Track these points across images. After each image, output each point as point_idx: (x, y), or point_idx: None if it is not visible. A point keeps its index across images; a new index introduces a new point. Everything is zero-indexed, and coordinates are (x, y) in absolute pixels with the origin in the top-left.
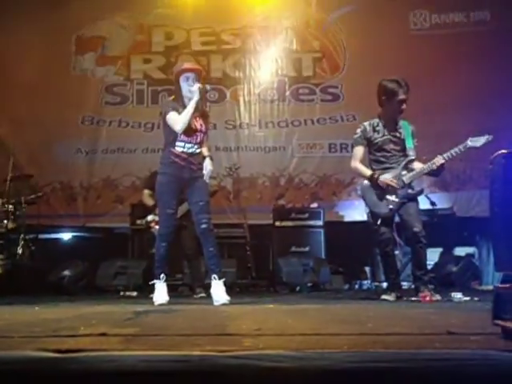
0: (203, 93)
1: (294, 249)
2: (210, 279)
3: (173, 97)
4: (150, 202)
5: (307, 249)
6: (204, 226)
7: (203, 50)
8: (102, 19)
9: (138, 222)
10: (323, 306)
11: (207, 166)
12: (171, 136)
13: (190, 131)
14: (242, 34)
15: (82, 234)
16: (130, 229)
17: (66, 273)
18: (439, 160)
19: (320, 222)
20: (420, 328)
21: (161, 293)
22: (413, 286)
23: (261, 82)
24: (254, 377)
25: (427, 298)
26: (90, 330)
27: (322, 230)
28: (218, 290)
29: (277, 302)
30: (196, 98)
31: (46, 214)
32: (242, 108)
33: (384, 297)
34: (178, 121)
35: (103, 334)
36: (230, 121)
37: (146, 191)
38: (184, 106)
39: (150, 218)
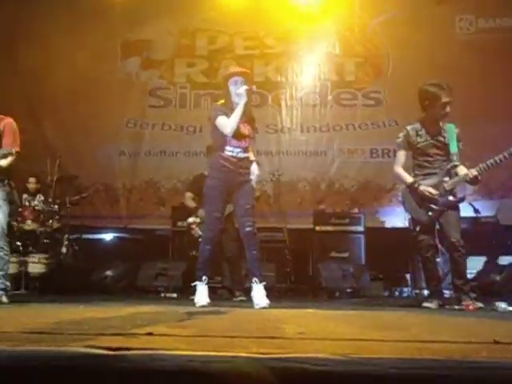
0: (250, 94)
1: (333, 254)
2: (251, 282)
3: (221, 101)
4: (191, 204)
5: (347, 254)
6: (248, 228)
7: (246, 54)
8: (147, 24)
9: (179, 223)
10: (364, 311)
11: (254, 170)
12: (221, 141)
13: (239, 136)
14: (285, 39)
15: (123, 234)
16: (171, 231)
17: (109, 273)
18: (472, 172)
19: (361, 228)
20: (465, 336)
21: (202, 295)
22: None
23: (303, 87)
24: (299, 380)
25: (470, 307)
26: (138, 330)
27: (362, 236)
28: (259, 294)
29: (316, 307)
30: (243, 100)
31: (90, 214)
32: (283, 112)
33: (426, 304)
34: (227, 124)
35: (150, 334)
36: (272, 125)
37: (189, 194)
38: (233, 110)
39: (191, 219)
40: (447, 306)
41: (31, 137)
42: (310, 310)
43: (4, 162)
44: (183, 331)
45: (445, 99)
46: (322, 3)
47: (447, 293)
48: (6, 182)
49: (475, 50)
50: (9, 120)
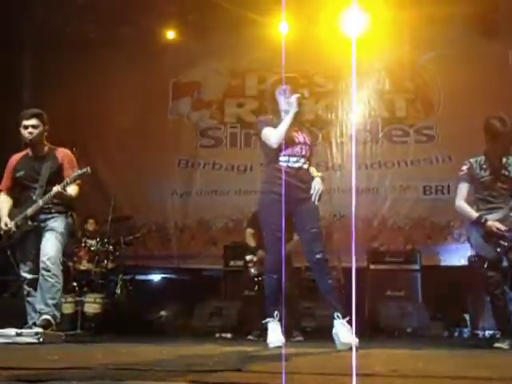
0: (301, 101)
1: (389, 293)
2: (332, 318)
3: (269, 116)
4: (251, 242)
5: (403, 293)
6: (319, 255)
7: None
8: (198, 65)
9: (232, 263)
10: (436, 351)
11: (316, 185)
12: (272, 153)
13: (291, 143)
14: (335, 77)
15: (175, 274)
16: (223, 270)
17: (163, 313)
18: None
19: (417, 266)
20: None
21: (276, 333)
22: None
23: (353, 124)
24: None
25: None
26: (224, 367)
27: (418, 274)
28: (344, 331)
29: (380, 347)
30: (294, 109)
31: (143, 254)
32: (334, 149)
33: (497, 345)
34: (272, 134)
35: (238, 370)
36: (322, 162)
37: (249, 230)
38: None
39: (248, 257)
40: None
41: (85, 178)
42: (381, 350)
43: (74, 191)
44: (270, 368)
45: (507, 136)
46: (371, 40)
47: None
48: (69, 213)
49: None
50: (66, 151)
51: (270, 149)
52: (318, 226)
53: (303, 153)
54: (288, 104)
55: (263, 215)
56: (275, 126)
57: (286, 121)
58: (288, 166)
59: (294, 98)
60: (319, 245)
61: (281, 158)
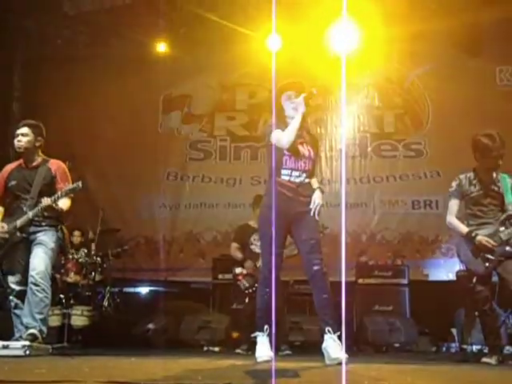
0: (308, 101)
1: (377, 307)
2: (323, 332)
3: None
4: (238, 255)
5: (391, 308)
6: (316, 267)
7: None
8: (188, 79)
9: (220, 276)
10: (425, 366)
11: (315, 199)
12: (275, 164)
13: (296, 156)
14: (324, 92)
15: (164, 287)
16: (211, 283)
17: (150, 326)
18: None
19: (405, 281)
20: None
21: (264, 347)
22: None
23: (343, 138)
24: None
25: None
26: (213, 380)
27: (406, 289)
28: (334, 346)
29: (367, 362)
30: (301, 109)
31: (131, 267)
32: (323, 164)
33: (485, 360)
34: (282, 136)
35: None
36: None
37: (235, 244)
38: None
39: (237, 270)
40: (510, 362)
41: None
42: (369, 365)
43: (65, 205)
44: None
45: (495, 153)
46: (360, 56)
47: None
48: (59, 227)
49: None
50: (59, 163)
51: (274, 159)
52: (317, 237)
53: (306, 168)
54: (294, 108)
55: (262, 228)
56: (282, 129)
57: (296, 120)
58: (289, 181)
59: (301, 97)
60: (317, 256)
61: (283, 172)
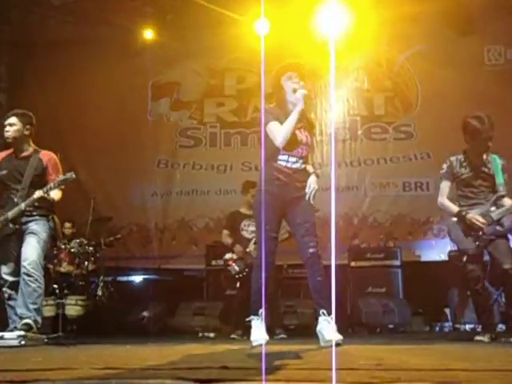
0: (307, 99)
1: (370, 289)
2: (318, 315)
3: (273, 104)
4: (228, 241)
5: (384, 289)
6: (312, 249)
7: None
8: (176, 65)
9: (214, 262)
10: (419, 345)
11: (311, 184)
12: (273, 148)
13: (294, 143)
14: (313, 76)
15: (157, 275)
16: (205, 270)
17: (145, 313)
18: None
19: (397, 262)
20: None
21: (259, 331)
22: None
23: (333, 122)
24: None
25: None
26: (210, 364)
27: (399, 270)
28: (328, 328)
29: (363, 343)
30: (300, 106)
31: (123, 255)
32: (314, 148)
33: (478, 338)
34: (278, 134)
35: (225, 367)
36: None
37: (225, 231)
38: (287, 114)
39: (227, 256)
40: (503, 339)
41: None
42: (363, 346)
43: (57, 196)
44: (255, 364)
45: (484, 135)
46: (349, 39)
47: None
48: (51, 217)
49: (505, 80)
50: (51, 154)
51: (272, 144)
52: (312, 220)
53: (303, 154)
54: (294, 96)
55: (257, 213)
56: (280, 119)
57: (292, 120)
58: (286, 167)
59: (300, 93)
60: (313, 239)
61: (280, 157)
